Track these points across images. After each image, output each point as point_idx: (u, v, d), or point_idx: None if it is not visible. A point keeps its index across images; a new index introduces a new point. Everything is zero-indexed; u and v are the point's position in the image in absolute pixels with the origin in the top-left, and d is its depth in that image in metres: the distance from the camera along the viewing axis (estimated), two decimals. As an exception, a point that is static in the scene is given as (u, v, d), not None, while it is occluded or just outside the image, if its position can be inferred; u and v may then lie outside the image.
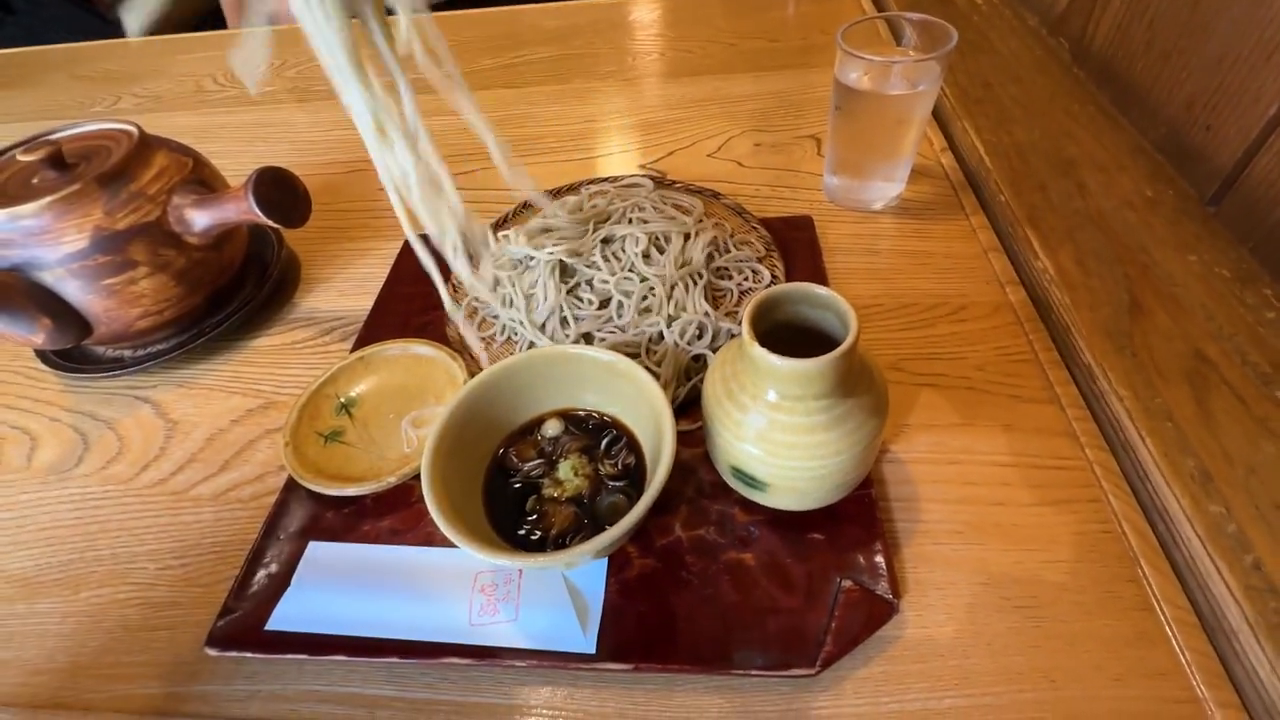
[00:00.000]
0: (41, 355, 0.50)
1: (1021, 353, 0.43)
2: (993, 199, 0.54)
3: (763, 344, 0.29)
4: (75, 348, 0.50)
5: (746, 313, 0.30)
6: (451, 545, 0.30)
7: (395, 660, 0.33)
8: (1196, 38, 0.48)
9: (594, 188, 0.56)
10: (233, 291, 0.52)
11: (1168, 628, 0.31)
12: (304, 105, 0.81)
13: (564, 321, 0.45)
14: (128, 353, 0.50)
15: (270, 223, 0.44)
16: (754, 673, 0.31)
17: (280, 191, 0.45)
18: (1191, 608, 0.32)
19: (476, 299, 0.49)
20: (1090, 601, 0.32)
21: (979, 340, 0.45)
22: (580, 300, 0.47)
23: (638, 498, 0.30)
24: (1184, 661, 0.30)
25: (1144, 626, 0.31)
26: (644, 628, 0.33)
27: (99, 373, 0.48)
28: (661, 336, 0.43)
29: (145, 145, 0.46)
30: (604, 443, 0.37)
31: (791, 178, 0.60)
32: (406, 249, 0.56)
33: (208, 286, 0.49)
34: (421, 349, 0.45)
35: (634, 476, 0.35)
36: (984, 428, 0.40)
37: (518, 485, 0.36)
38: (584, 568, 0.35)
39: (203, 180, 0.48)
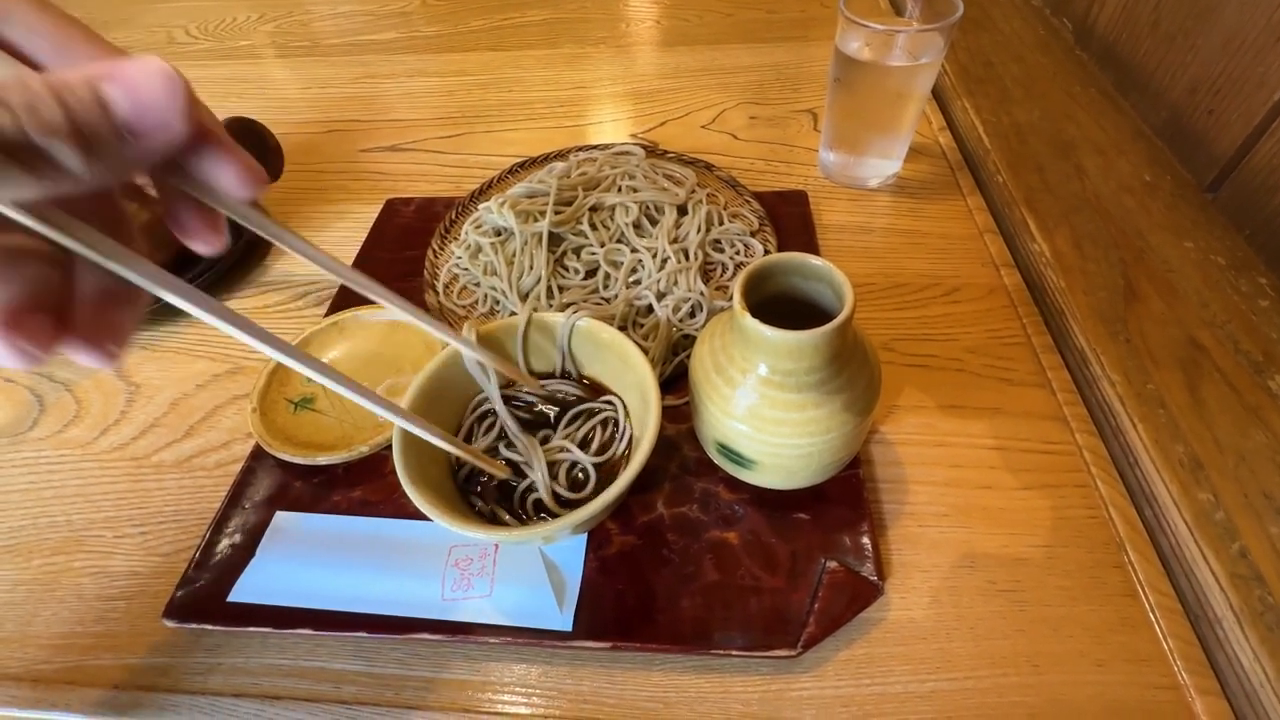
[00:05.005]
0: (-5, 312, 0.47)
1: (1014, 336, 0.43)
2: (990, 179, 0.53)
3: (754, 316, 0.27)
4: (31, 305, 0.47)
5: (739, 282, 0.28)
6: (425, 518, 0.28)
7: (364, 635, 0.31)
8: (1203, 20, 0.47)
9: (583, 154, 0.54)
10: (201, 251, 0.50)
11: (1151, 614, 0.31)
12: (282, 60, 0.78)
13: (549, 291, 0.43)
14: (88, 312, 0.47)
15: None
16: (734, 653, 0.30)
17: (249, 144, 0.43)
18: (1176, 595, 0.32)
19: (459, 264, 0.47)
20: (1075, 587, 0.32)
21: (972, 322, 0.44)
22: (566, 269, 0.45)
23: (618, 473, 0.29)
24: (1167, 648, 0.30)
25: (1128, 612, 0.31)
26: (623, 606, 0.32)
27: (56, 332, 0.46)
28: (650, 309, 0.42)
29: (105, 90, 0.43)
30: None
31: (786, 152, 0.58)
32: (385, 212, 0.54)
33: (174, 244, 0.46)
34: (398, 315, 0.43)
35: (616, 450, 0.34)
36: (974, 410, 0.39)
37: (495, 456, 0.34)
38: (562, 544, 0.34)
39: (168, 131, 0.45)
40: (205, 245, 0.19)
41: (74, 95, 0.13)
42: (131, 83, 0.14)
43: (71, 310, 0.16)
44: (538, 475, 0.32)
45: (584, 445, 0.34)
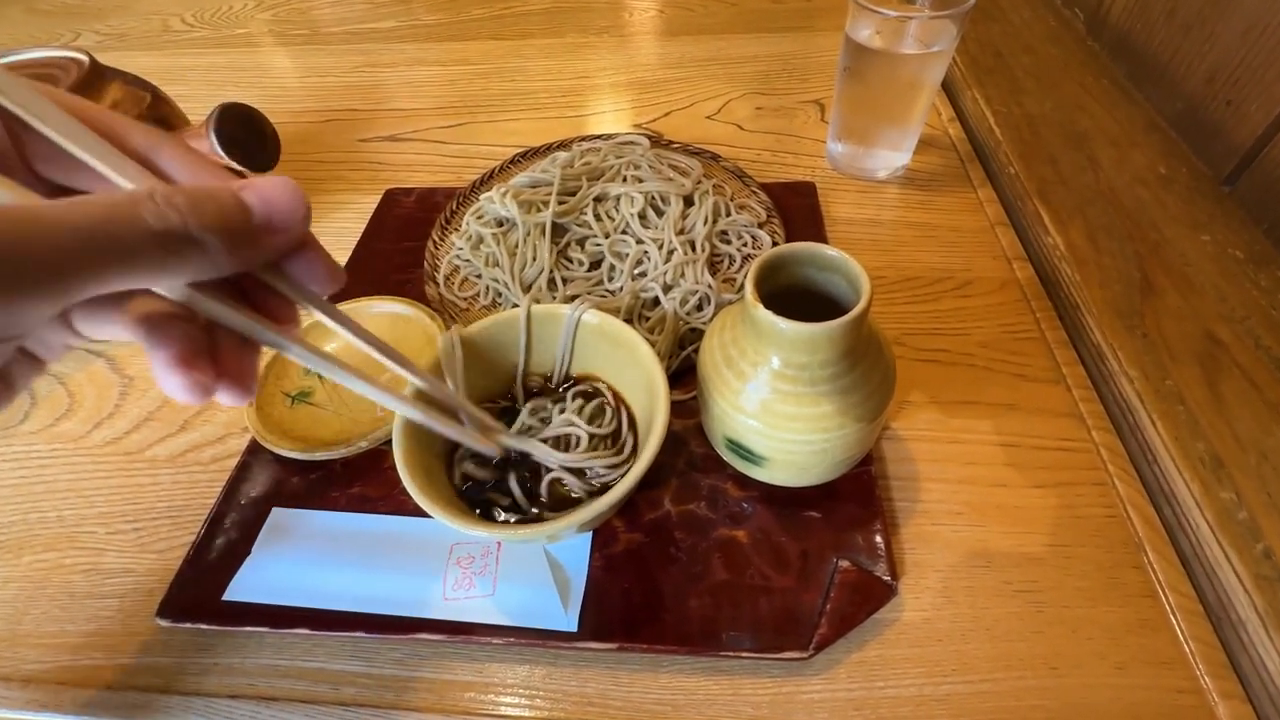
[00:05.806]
0: (-15, 303, 0.46)
1: (1027, 330, 0.42)
2: (1002, 171, 0.52)
3: (766, 308, 0.26)
4: (22, 296, 0.46)
5: (750, 273, 0.27)
6: (426, 515, 0.27)
7: (363, 635, 0.31)
8: (1221, 8, 0.46)
9: (587, 144, 0.53)
10: (196, 241, 0.49)
11: (1172, 616, 0.30)
12: (279, 49, 0.76)
13: (552, 283, 0.42)
14: (80, 303, 0.46)
15: (233, 164, 0.41)
16: (744, 654, 0.29)
17: (246, 130, 0.42)
18: (1197, 596, 0.31)
19: (460, 255, 0.46)
20: (1093, 587, 0.31)
21: (984, 317, 0.43)
22: (569, 261, 0.44)
23: (625, 469, 0.28)
24: (1188, 651, 0.29)
25: (1147, 614, 0.30)
26: (629, 606, 0.31)
27: (48, 323, 0.45)
28: (656, 302, 0.41)
29: (97, 75, 0.42)
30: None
31: (793, 143, 0.57)
32: (385, 202, 0.53)
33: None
34: (398, 307, 0.42)
35: (621, 447, 0.33)
36: (987, 406, 0.38)
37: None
38: (567, 542, 0.33)
39: (161, 118, 0.44)
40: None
41: (222, 201, 0.17)
42: (265, 192, 0.18)
43: (217, 359, 0.20)
44: (540, 452, 0.32)
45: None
